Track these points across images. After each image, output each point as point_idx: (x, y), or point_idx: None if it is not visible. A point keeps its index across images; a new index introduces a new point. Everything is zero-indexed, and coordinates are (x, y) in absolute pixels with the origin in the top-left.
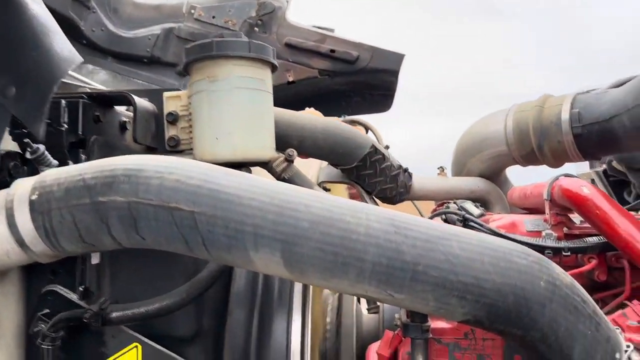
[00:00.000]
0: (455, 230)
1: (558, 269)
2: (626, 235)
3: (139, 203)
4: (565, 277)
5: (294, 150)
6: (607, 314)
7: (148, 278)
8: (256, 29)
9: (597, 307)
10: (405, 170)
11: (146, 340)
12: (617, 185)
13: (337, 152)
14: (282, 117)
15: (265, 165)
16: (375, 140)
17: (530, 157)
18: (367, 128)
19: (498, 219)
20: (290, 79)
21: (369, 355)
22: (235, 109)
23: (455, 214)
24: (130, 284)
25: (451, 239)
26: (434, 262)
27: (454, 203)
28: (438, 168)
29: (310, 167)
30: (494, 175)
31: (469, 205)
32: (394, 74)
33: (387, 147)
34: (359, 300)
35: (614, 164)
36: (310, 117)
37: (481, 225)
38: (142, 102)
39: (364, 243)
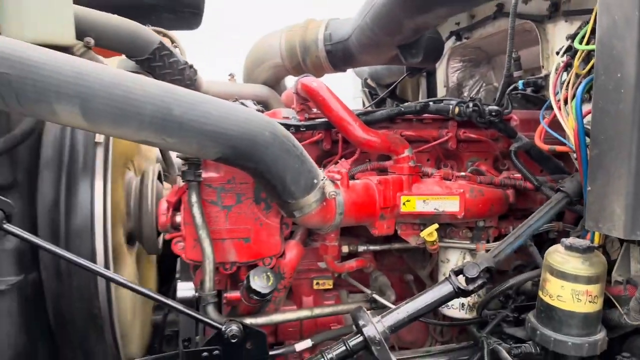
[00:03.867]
0: (214, 99)
1: (280, 127)
2: (336, 116)
3: None
4: (284, 131)
5: (91, 39)
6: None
7: None
8: None
9: (304, 152)
10: (191, 66)
11: None
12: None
13: (128, 44)
14: (78, 10)
15: (67, 50)
16: (161, 39)
17: (298, 69)
18: (171, 40)
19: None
20: None
21: (160, 205)
22: None
23: None
24: None
25: (208, 102)
26: (195, 117)
27: (237, 100)
28: (229, 75)
29: (112, 61)
30: (275, 83)
31: (249, 103)
32: None
33: (175, 45)
34: (160, 180)
35: (369, 81)
36: (102, 13)
37: None
38: None
39: (142, 102)
